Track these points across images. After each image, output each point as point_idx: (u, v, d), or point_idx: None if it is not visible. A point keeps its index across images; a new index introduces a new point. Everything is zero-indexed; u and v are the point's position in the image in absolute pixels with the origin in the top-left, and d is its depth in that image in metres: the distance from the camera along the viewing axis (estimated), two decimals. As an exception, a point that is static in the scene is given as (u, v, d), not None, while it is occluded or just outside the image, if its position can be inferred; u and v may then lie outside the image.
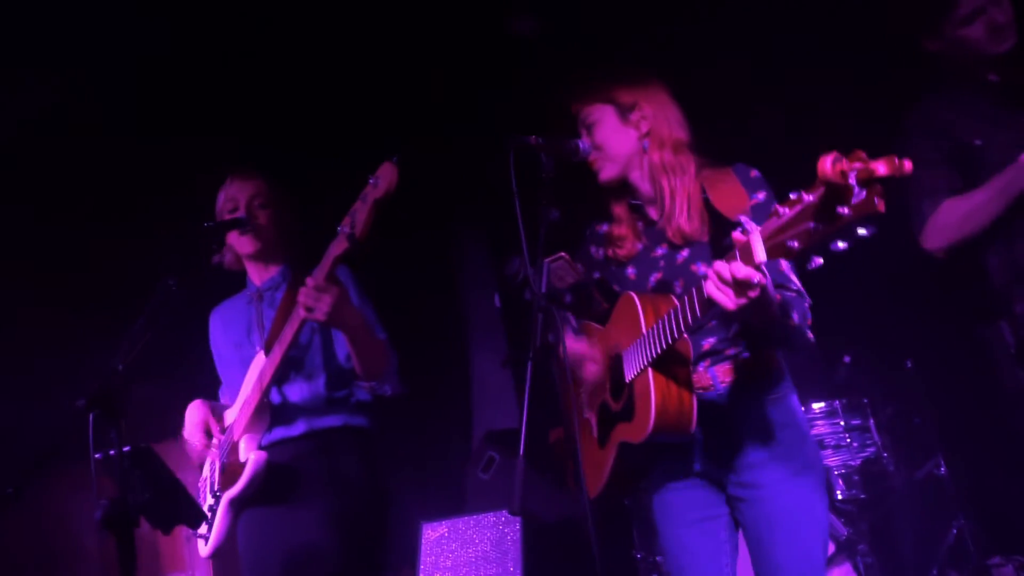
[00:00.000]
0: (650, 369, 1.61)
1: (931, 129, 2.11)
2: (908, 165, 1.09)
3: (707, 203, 1.71)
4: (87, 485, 1.63)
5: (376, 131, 3.60)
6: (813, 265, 1.24)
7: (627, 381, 1.68)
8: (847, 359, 3.25)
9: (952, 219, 2.04)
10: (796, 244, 1.22)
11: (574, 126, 1.87)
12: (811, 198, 1.18)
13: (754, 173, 1.73)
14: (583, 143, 1.79)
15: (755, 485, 1.66)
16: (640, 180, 1.83)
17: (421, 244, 4.14)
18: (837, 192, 1.13)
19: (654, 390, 1.59)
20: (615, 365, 1.75)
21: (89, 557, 4.00)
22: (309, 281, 1.92)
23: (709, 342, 1.73)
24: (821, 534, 1.67)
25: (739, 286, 1.34)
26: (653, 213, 1.84)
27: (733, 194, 1.64)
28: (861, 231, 1.15)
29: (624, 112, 1.81)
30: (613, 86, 1.82)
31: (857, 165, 1.10)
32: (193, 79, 3.34)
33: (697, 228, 1.73)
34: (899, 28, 2.22)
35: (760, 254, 1.28)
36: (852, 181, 1.11)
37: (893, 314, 3.35)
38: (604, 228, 1.93)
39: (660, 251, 1.81)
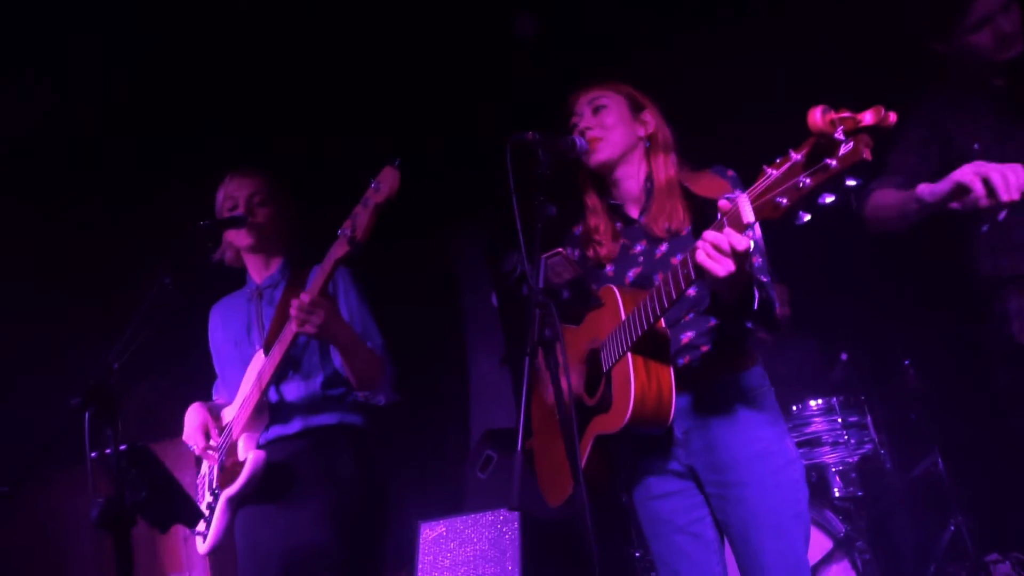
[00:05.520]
0: (630, 355, 1.61)
1: (926, 121, 2.12)
2: (893, 116, 1.16)
3: (688, 194, 1.75)
4: (84, 485, 1.62)
5: (375, 131, 3.60)
6: (800, 221, 1.27)
7: (604, 371, 1.68)
8: (844, 356, 3.25)
9: (874, 205, 2.07)
10: (784, 201, 1.25)
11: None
12: (798, 156, 1.23)
13: (730, 172, 1.76)
14: (580, 140, 1.80)
15: (738, 483, 1.66)
16: (627, 176, 1.85)
17: (420, 245, 4.14)
18: (825, 144, 1.18)
19: (633, 374, 1.59)
20: (591, 360, 1.75)
21: (85, 558, 3.98)
22: (304, 296, 1.93)
23: (688, 336, 1.73)
24: (804, 529, 1.68)
25: (732, 252, 1.36)
26: (633, 211, 1.86)
27: (713, 184, 1.67)
28: (850, 182, 1.19)
29: (635, 109, 1.85)
30: (627, 84, 1.88)
31: (845, 114, 1.16)
32: (194, 78, 3.35)
33: (680, 218, 1.76)
34: (909, 29, 2.24)
35: (748, 215, 1.31)
36: (839, 134, 1.16)
37: (891, 312, 3.36)
38: (579, 230, 1.94)
39: (639, 247, 1.82)
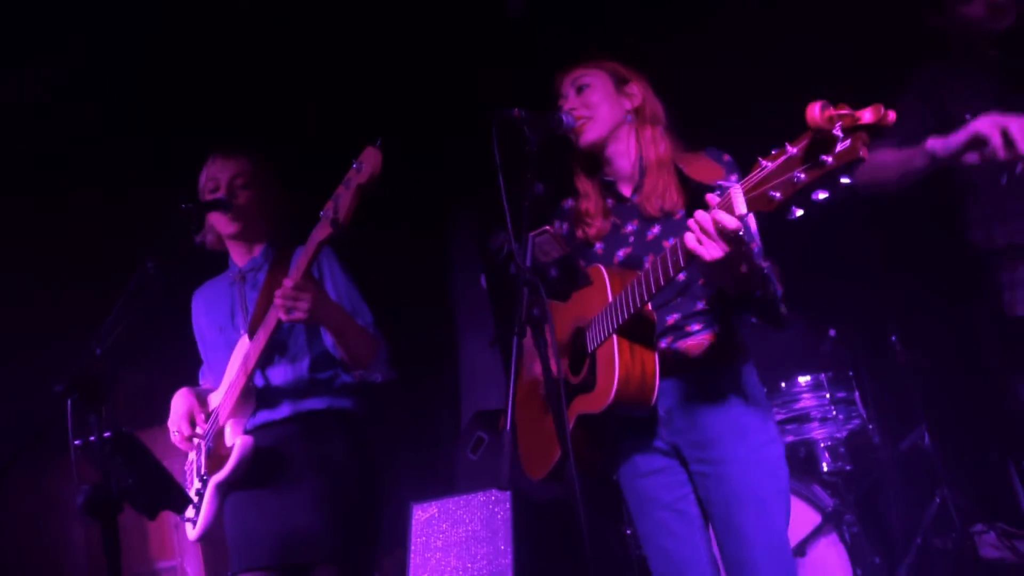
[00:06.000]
0: (615, 336, 1.60)
1: (922, 88, 2.12)
2: (892, 115, 1.14)
3: (682, 176, 1.72)
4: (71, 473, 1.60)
5: (362, 112, 3.56)
6: (793, 216, 1.26)
7: (589, 351, 1.67)
8: (833, 332, 3.27)
9: (870, 164, 2.05)
10: (778, 195, 1.24)
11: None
12: (795, 150, 1.21)
13: (726, 157, 1.74)
14: (567, 116, 1.77)
15: (720, 461, 1.67)
16: (618, 154, 1.82)
17: (409, 227, 4.12)
18: (822, 141, 1.16)
19: (618, 357, 1.58)
20: (576, 339, 1.74)
21: (76, 547, 3.97)
22: (287, 282, 1.89)
23: (673, 317, 1.73)
24: (785, 506, 1.70)
25: (722, 236, 1.35)
26: (625, 190, 1.84)
27: (708, 168, 1.65)
28: (844, 180, 1.17)
29: (619, 83, 1.82)
30: (611, 59, 1.85)
31: (844, 111, 1.14)
32: (181, 66, 3.31)
33: (674, 200, 1.74)
34: (903, 2, 2.23)
35: (740, 207, 1.29)
36: (837, 131, 1.14)
37: (880, 286, 3.37)
38: (570, 203, 1.92)
39: (631, 227, 1.81)
